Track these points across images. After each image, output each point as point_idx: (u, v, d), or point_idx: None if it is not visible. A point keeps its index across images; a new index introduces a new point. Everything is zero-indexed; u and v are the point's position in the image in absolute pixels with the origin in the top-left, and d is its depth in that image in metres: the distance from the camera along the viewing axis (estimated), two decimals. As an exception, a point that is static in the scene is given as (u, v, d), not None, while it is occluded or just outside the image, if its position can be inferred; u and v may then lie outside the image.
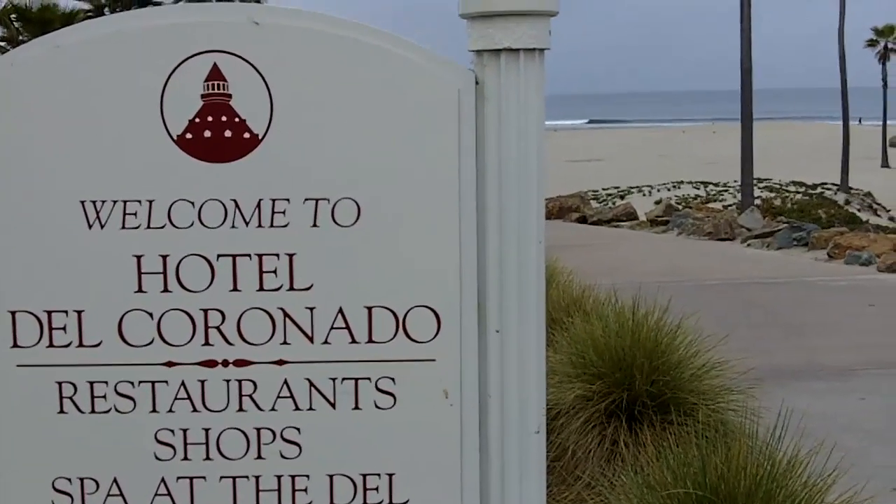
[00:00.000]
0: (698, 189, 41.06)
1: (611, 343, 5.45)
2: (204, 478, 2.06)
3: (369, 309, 1.99)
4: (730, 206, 31.11)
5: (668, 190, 40.48)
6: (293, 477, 2.05)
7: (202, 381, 2.03)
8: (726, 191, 39.29)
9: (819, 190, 41.43)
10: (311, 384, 2.02)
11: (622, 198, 37.01)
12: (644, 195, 38.81)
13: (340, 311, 2.00)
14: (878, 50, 55.31)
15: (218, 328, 2.01)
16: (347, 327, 2.00)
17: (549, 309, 6.94)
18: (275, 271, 1.99)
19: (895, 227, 32.35)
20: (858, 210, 37.34)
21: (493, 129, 1.92)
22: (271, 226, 1.97)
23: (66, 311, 2.01)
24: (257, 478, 2.06)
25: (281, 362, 2.02)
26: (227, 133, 1.95)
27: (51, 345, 2.02)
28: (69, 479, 2.06)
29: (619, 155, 60.98)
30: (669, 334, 5.52)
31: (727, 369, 5.48)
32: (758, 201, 31.47)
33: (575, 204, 21.29)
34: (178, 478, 2.06)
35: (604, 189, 41.33)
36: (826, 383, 6.81)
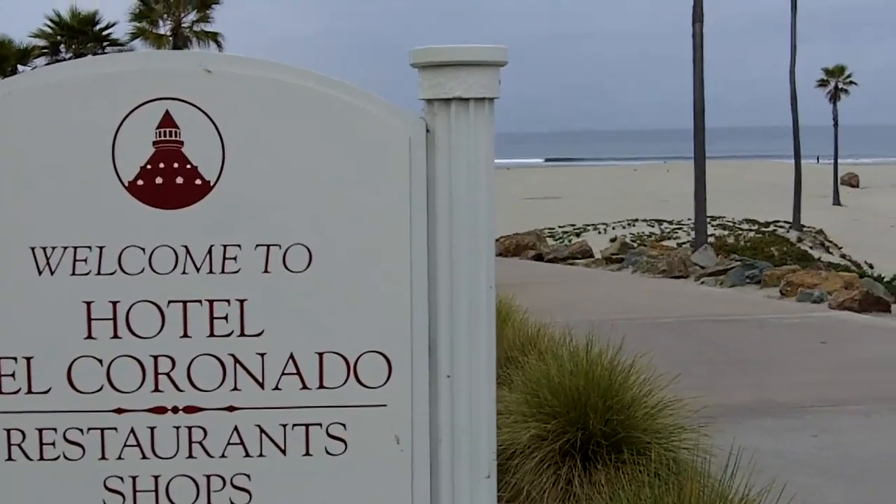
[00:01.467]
0: (653, 227, 41.45)
1: (565, 382, 5.47)
2: (153, 525, 2.04)
3: (320, 355, 2.00)
4: (684, 243, 31.41)
5: (624, 228, 40.81)
6: (244, 523, 2.04)
7: (152, 428, 2.02)
8: (680, 228, 39.68)
9: (772, 228, 41.96)
10: (262, 430, 2.02)
11: (578, 235, 37.25)
12: (599, 233, 39.09)
13: (292, 356, 2.00)
14: (828, 90, 56.35)
15: (168, 374, 2.01)
16: (298, 373, 2.00)
17: (505, 347, 6.96)
18: (226, 317, 1.99)
19: (847, 265, 32.85)
20: (811, 248, 37.86)
21: (444, 176, 1.95)
22: (222, 272, 1.98)
23: (14, 358, 1.99)
24: (207, 525, 2.04)
25: (231, 408, 2.02)
26: (179, 179, 1.95)
27: (-1, 391, 2.00)
28: (17, 528, 2.03)
29: (575, 193, 61.43)
30: (623, 373, 5.54)
31: (680, 408, 5.51)
32: (711, 239, 31.80)
33: (531, 242, 21.36)
34: (128, 526, 2.04)
35: (560, 227, 41.58)
36: (779, 421, 6.87)
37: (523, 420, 5.46)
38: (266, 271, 1.98)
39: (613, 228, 40.66)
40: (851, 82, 56.57)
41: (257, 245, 1.98)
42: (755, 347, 9.58)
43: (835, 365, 8.72)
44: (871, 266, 35.69)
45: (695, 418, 5.48)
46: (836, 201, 54.98)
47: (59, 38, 33.61)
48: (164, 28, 33.10)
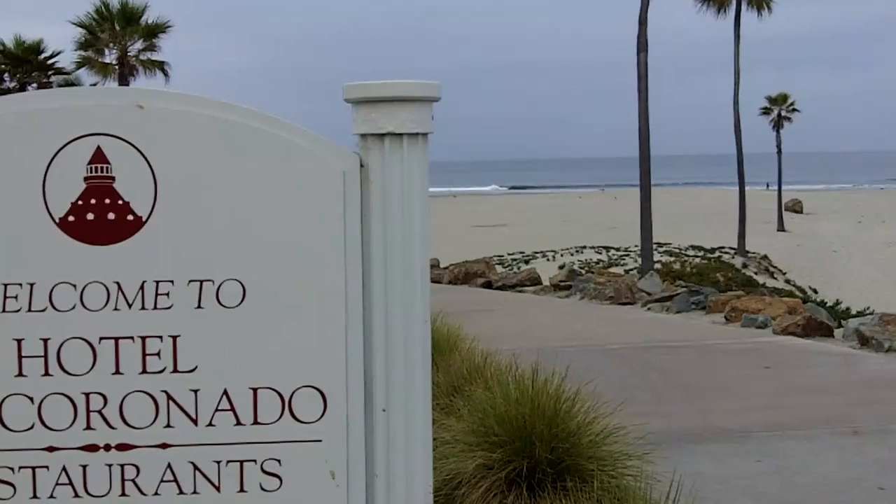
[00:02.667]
0: (600, 254, 41.75)
1: (511, 411, 5.47)
2: (86, 565, 2.01)
3: (254, 390, 1.99)
4: (631, 270, 31.67)
5: (572, 255, 41.06)
6: (178, 562, 2.02)
7: (84, 466, 1.99)
8: (628, 255, 40.02)
9: (717, 254, 42.44)
10: (196, 467, 2.00)
11: (527, 263, 37.39)
12: (548, 260, 39.28)
13: (225, 392, 1.99)
14: (772, 118, 57.29)
15: (100, 412, 1.98)
16: (232, 409, 1.99)
17: (452, 376, 6.95)
18: (158, 354, 1.97)
19: (791, 290, 33.32)
20: (756, 273, 38.35)
21: (378, 211, 1.96)
22: (155, 308, 1.96)
23: (-57, 396, 1.96)
24: (141, 564, 2.01)
25: (164, 446, 2.00)
26: (111, 215, 1.94)
27: (-72, 430, 1.97)
28: (-55, 570, 1.99)
29: (524, 220, 61.72)
30: (568, 401, 5.57)
31: (625, 434, 5.54)
32: (658, 265, 32.11)
33: (481, 269, 21.39)
34: (59, 566, 2.00)
35: (509, 254, 41.73)
36: (723, 446, 6.92)
37: (469, 449, 5.45)
38: (199, 307, 1.97)
39: (562, 255, 40.89)
40: (794, 110, 57.60)
41: (190, 281, 1.97)
42: (700, 373, 9.66)
43: (778, 390, 8.82)
44: (815, 291, 36.25)
45: (639, 445, 5.51)
46: (781, 227, 55.79)
47: (2, 66, 33.21)
48: (110, 57, 32.83)
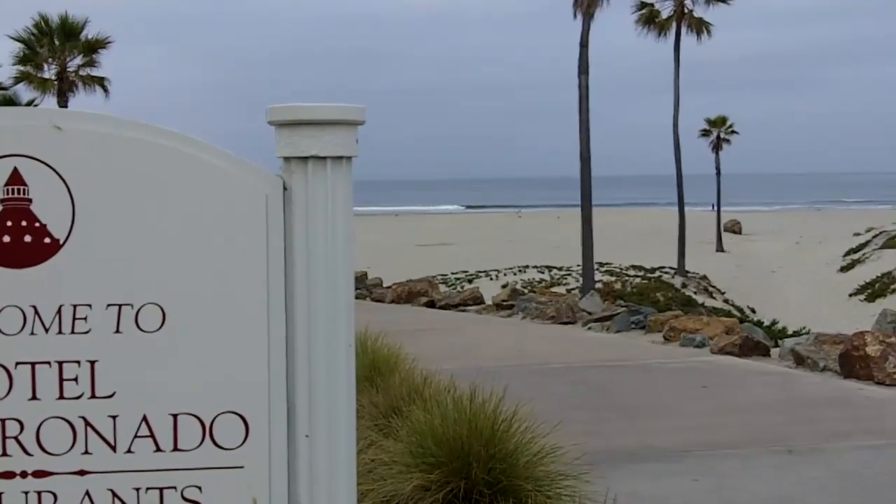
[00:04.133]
0: (543, 273, 42.00)
1: (449, 431, 5.47)
2: None
3: (174, 416, 1.96)
4: (573, 289, 31.89)
5: (515, 274, 41.25)
6: (96, 592, 1.97)
7: (0, 494, 1.94)
8: (569, 275, 40.30)
9: (657, 273, 42.91)
10: (115, 495, 1.96)
11: (470, 282, 37.50)
12: (491, 279, 39.42)
13: (145, 418, 1.95)
14: (711, 140, 58.18)
15: (16, 438, 1.94)
16: (152, 435, 1.96)
17: (392, 397, 6.92)
18: (76, 379, 1.93)
19: (730, 310, 33.78)
20: (695, 293, 38.85)
21: (301, 234, 1.94)
22: (72, 332, 1.93)
23: None
24: None
25: (82, 472, 1.95)
26: (27, 238, 1.90)
27: None
28: None
29: (469, 239, 61.89)
30: (506, 421, 5.57)
31: (563, 454, 5.56)
32: (599, 285, 32.37)
33: (423, 288, 21.37)
34: None
35: (453, 273, 41.81)
36: (660, 465, 6.96)
37: (407, 470, 5.43)
38: (118, 331, 1.93)
39: (505, 275, 41.06)
40: (733, 132, 58.57)
41: (108, 305, 1.93)
42: (639, 392, 9.72)
43: (716, 409, 8.90)
44: (753, 311, 36.80)
45: (577, 464, 5.53)
46: (720, 247, 56.58)
47: None
48: (50, 72, 32.38)
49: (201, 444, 1.96)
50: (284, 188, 1.96)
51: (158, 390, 1.95)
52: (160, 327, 1.94)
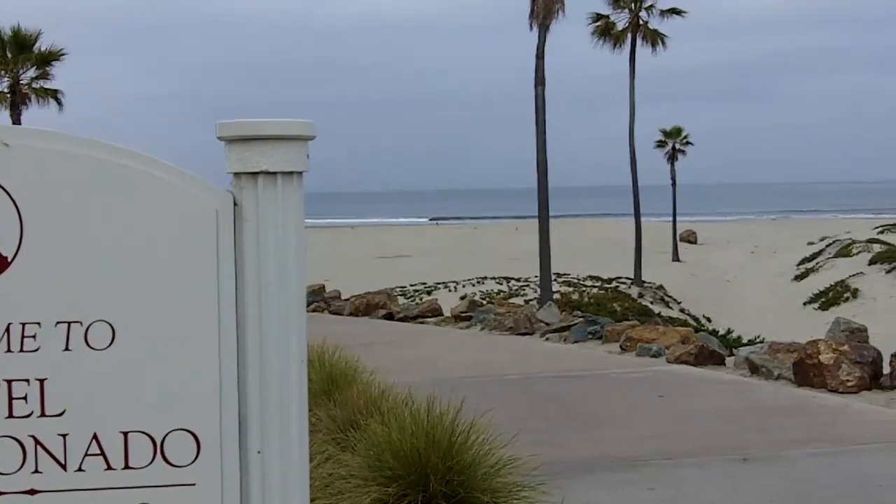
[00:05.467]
0: (501, 284, 42.11)
1: (406, 444, 5.46)
2: None
3: (125, 434, 1.94)
4: (531, 300, 32.00)
5: (473, 285, 41.33)
6: None
7: (-53, 515, 1.92)
8: (528, 286, 40.44)
9: (615, 284, 43.19)
10: (65, 514, 1.94)
11: (429, 294, 37.50)
12: (450, 291, 39.46)
13: (95, 437, 1.94)
14: (666, 150, 58.72)
15: (-36, 458, 1.91)
16: (103, 454, 1.94)
17: (349, 410, 6.90)
18: (25, 397, 1.92)
19: (686, 319, 34.06)
20: (651, 303, 39.15)
21: (252, 250, 1.94)
22: (21, 350, 1.91)
23: None
24: None
25: (32, 492, 1.94)
26: (-26, 255, 1.88)
27: None
28: None
29: (428, 251, 61.90)
30: (464, 433, 5.58)
31: (520, 465, 5.57)
32: (557, 296, 32.53)
33: (382, 301, 21.33)
34: None
35: (411, 285, 41.80)
36: (617, 474, 7.01)
37: (365, 484, 5.42)
38: (67, 349, 1.92)
39: (463, 286, 41.12)
40: (688, 143, 59.15)
41: (58, 322, 1.92)
42: (596, 402, 9.78)
43: (671, 418, 8.97)
44: (709, 320, 37.14)
45: (534, 475, 5.55)
46: (676, 257, 57.05)
47: None
48: (2, 85, 31.99)
49: (152, 461, 1.95)
50: (235, 204, 1.96)
51: (109, 408, 1.94)
52: (110, 345, 1.93)
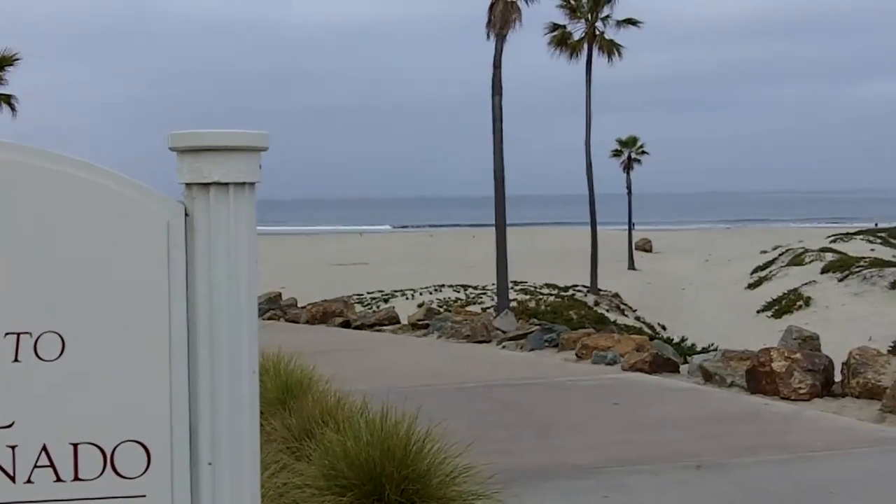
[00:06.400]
0: (459, 292, 42.10)
1: (361, 453, 5.46)
2: None
3: (75, 446, 1.93)
4: (488, 308, 32.05)
5: (431, 293, 41.30)
6: None
7: None
8: (485, 293, 40.48)
9: (571, 292, 43.38)
10: (14, 526, 1.92)
11: (386, 301, 37.41)
12: (408, 299, 39.38)
13: (45, 448, 1.92)
14: (622, 160, 59.21)
15: (-89, 471, 1.89)
16: (52, 465, 1.93)
17: (304, 419, 6.87)
18: (-27, 409, 1.90)
19: (640, 327, 34.31)
20: (607, 311, 39.36)
21: (203, 260, 1.94)
22: (-31, 362, 1.89)
23: None
24: None
25: (-20, 505, 1.92)
26: (-79, 266, 1.86)
27: None
28: None
29: (385, 258, 61.82)
30: (419, 441, 5.59)
31: (476, 473, 5.59)
32: (514, 304, 32.61)
33: (338, 308, 21.27)
34: None
35: (369, 293, 41.68)
36: (572, 482, 7.03)
37: (319, 494, 5.40)
38: (16, 360, 1.90)
39: (421, 294, 41.07)
40: (643, 152, 59.69)
41: (6, 333, 1.90)
42: (552, 410, 9.81)
43: (626, 425, 9.02)
44: (664, 328, 37.42)
45: (490, 484, 5.57)
46: (631, 266, 57.47)
47: None
48: (-48, 89, 31.53)
49: (102, 473, 1.94)
50: (186, 214, 1.95)
51: (58, 420, 1.92)
52: (60, 356, 1.92)
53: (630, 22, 46.13)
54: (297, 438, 6.52)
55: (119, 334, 1.93)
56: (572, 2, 44.87)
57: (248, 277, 1.95)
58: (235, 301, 1.94)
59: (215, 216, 1.93)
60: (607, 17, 45.78)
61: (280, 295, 22.32)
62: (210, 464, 1.96)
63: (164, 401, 1.94)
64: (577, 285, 44.86)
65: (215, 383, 1.94)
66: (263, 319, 19.20)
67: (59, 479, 1.93)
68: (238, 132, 1.93)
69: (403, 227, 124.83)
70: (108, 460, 1.94)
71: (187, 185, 1.95)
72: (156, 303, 1.94)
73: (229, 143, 1.91)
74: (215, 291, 1.94)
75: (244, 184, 1.94)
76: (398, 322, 19.12)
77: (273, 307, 20.71)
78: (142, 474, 1.95)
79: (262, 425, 6.05)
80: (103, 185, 1.92)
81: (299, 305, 21.67)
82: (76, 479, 1.93)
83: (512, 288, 35.86)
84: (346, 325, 19.22)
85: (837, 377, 10.30)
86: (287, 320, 19.97)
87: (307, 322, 19.61)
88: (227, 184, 1.93)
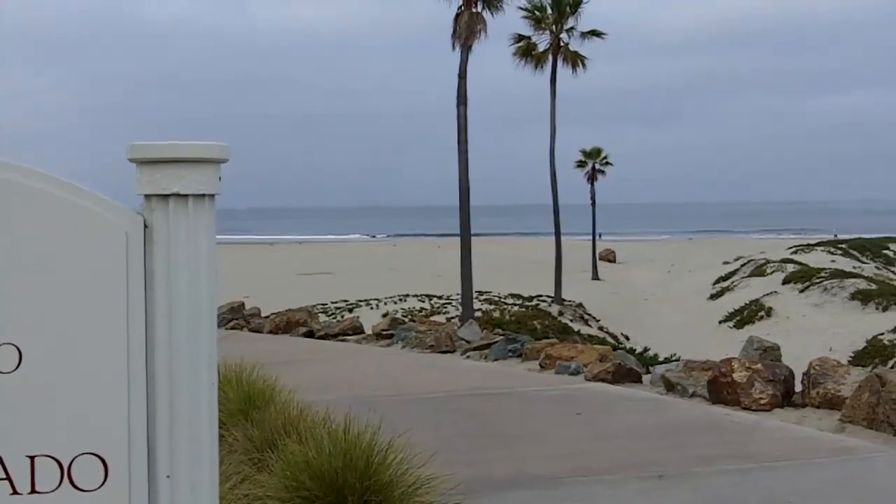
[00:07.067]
0: (423, 302, 42.09)
1: (324, 464, 5.44)
2: None
3: (32, 458, 1.91)
4: (452, 318, 32.07)
5: (396, 303, 41.26)
6: None
7: None
8: (450, 303, 40.50)
9: (535, 302, 43.51)
10: (-32, 540, 1.90)
11: (351, 311, 37.35)
12: (372, 308, 39.32)
13: (1, 460, 1.90)
14: (586, 170, 59.55)
15: None
16: (8, 478, 1.91)
17: (267, 430, 6.84)
18: (-71, 421, 1.87)
19: (604, 337, 34.48)
20: (571, 320, 39.52)
21: (163, 272, 1.93)
22: (-76, 373, 1.87)
23: None
24: None
25: (-67, 518, 1.89)
26: None
27: None
28: None
29: (350, 268, 61.70)
30: (381, 452, 5.58)
31: (439, 484, 5.59)
32: (478, 313, 32.66)
33: (302, 318, 21.20)
34: None
35: (333, 303, 41.57)
36: (534, 492, 7.05)
37: (281, 505, 5.38)
38: (-28, 372, 1.88)
39: (385, 304, 41.03)
40: (607, 163, 60.07)
41: None
42: (515, 420, 9.83)
43: (589, 435, 9.05)
44: (627, 337, 37.63)
45: (452, 494, 5.57)
46: (595, 276, 57.77)
47: None
48: (-90, 96, 31.12)
49: (59, 486, 1.92)
50: (146, 226, 1.95)
51: (15, 432, 1.90)
52: (16, 368, 1.90)
53: (594, 34, 46.43)
54: (259, 449, 6.49)
55: (77, 346, 1.92)
56: (537, 13, 45.08)
57: (207, 290, 1.95)
58: (195, 314, 1.93)
59: (175, 228, 1.92)
60: (572, 28, 46.07)
61: (243, 304, 22.21)
62: (168, 476, 1.95)
63: (122, 413, 1.93)
64: (541, 295, 45.01)
65: (174, 395, 1.93)
66: (226, 329, 19.09)
67: (15, 492, 1.91)
68: (198, 144, 1.92)
69: (372, 236, 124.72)
70: (66, 473, 1.92)
71: (146, 196, 1.95)
72: (114, 315, 1.92)
73: (189, 154, 1.91)
74: (174, 304, 1.93)
75: (204, 195, 1.94)
76: (362, 332, 19.08)
77: (236, 317, 20.60)
78: (99, 487, 1.93)
79: (223, 436, 6.05)
80: (60, 196, 1.91)
81: (263, 315, 21.57)
82: (33, 491, 1.92)
83: (477, 298, 35.90)
84: (310, 334, 19.16)
85: (798, 387, 10.40)
86: (250, 330, 19.87)
87: (271, 332, 19.52)
88: (186, 195, 1.92)
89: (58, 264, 1.91)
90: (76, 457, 1.93)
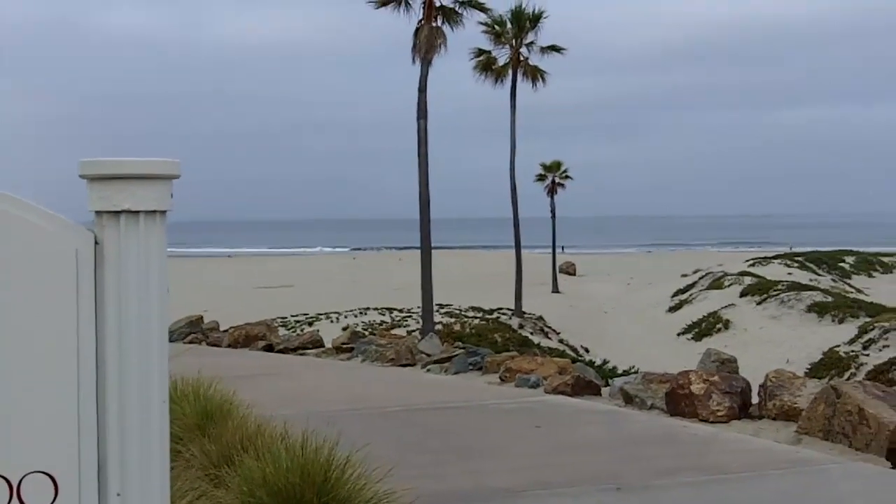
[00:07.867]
0: (384, 315, 42.02)
1: (281, 480, 5.41)
2: None
3: None
4: (413, 331, 32.03)
5: (356, 316, 41.14)
6: None
7: None
8: (410, 316, 40.46)
9: (496, 315, 43.57)
10: (-87, 562, 1.87)
11: (311, 324, 37.17)
12: (332, 322, 39.17)
13: None
14: (546, 184, 59.85)
15: None
16: (-45, 498, 1.88)
17: (224, 446, 6.79)
18: None
19: (563, 350, 34.60)
20: (531, 333, 39.63)
21: (113, 289, 1.92)
22: None
23: None
24: None
25: None
26: None
27: None
28: None
29: (310, 281, 61.46)
30: (339, 468, 5.56)
31: (397, 499, 5.57)
32: (439, 326, 32.66)
33: (261, 332, 21.07)
34: None
35: (293, 316, 41.37)
36: (494, 506, 7.06)
37: (239, 522, 5.34)
38: (-82, 391, 1.86)
39: (346, 317, 40.90)
40: (567, 177, 60.42)
41: None
42: (475, 433, 9.83)
43: (548, 448, 9.07)
44: (586, 350, 37.79)
45: (411, 509, 5.56)
46: (556, 289, 58.01)
47: None
48: None
49: (8, 505, 1.90)
50: (96, 242, 1.93)
51: (-38, 451, 1.88)
52: (-37, 386, 1.88)
53: (554, 49, 46.72)
54: (216, 465, 6.44)
55: (26, 364, 1.90)
56: (497, 27, 45.29)
57: (158, 307, 1.94)
58: (145, 331, 1.92)
59: (126, 245, 1.91)
60: (532, 43, 46.33)
61: (202, 318, 22.02)
62: (119, 494, 1.93)
63: (72, 431, 1.91)
64: (501, 308, 45.09)
65: (124, 413, 1.92)
66: (184, 343, 18.92)
67: (-38, 512, 1.89)
68: (149, 160, 1.92)
69: (335, 247, 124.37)
70: (15, 492, 1.90)
71: (97, 213, 1.93)
72: (64, 332, 1.91)
73: (140, 171, 1.90)
74: (125, 321, 1.92)
75: (155, 212, 1.93)
76: (322, 345, 18.98)
77: (194, 330, 20.44)
78: (48, 506, 1.92)
79: (180, 451, 6.00)
80: (5, 211, 1.89)
81: (221, 329, 21.40)
82: (-20, 511, 1.90)
83: (437, 311, 35.91)
84: (270, 348, 19.03)
85: (755, 399, 10.48)
86: (209, 344, 19.70)
87: (229, 346, 19.36)
88: (138, 212, 1.91)
89: (5, 282, 1.89)
90: (25, 475, 1.91)
